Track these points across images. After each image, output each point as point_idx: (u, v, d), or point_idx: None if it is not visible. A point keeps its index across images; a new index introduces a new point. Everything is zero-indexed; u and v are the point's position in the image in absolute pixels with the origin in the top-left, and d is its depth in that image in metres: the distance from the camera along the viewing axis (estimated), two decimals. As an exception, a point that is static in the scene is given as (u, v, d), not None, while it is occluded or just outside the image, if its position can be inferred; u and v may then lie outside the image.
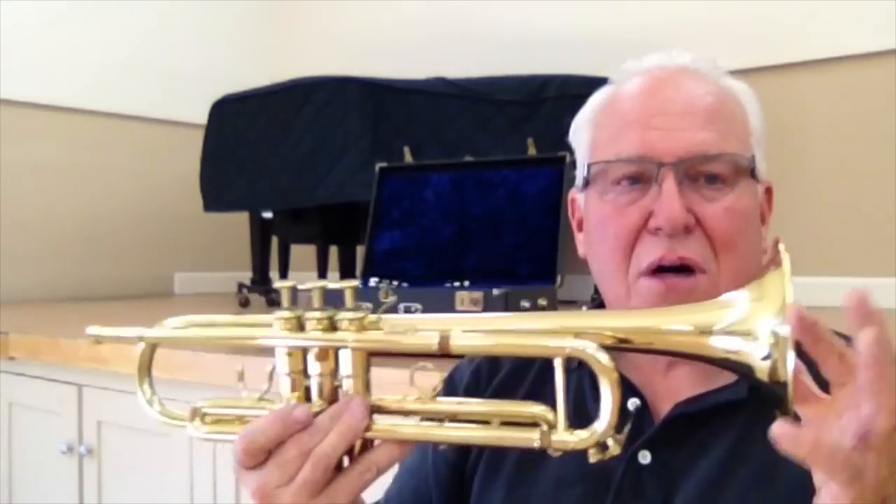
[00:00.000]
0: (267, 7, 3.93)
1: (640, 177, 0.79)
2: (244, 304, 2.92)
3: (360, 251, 2.53)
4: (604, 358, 0.60)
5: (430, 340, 0.64)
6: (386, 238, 2.15)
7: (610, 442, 0.61)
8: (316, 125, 2.59)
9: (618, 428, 0.61)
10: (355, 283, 0.68)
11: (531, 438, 0.63)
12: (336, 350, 0.67)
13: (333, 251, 3.17)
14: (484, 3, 3.22)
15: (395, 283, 1.80)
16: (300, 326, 0.68)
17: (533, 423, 0.63)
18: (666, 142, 0.77)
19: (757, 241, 0.82)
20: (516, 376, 0.88)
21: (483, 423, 0.65)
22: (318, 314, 0.67)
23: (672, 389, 0.81)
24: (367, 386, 0.68)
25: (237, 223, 3.15)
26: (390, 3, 3.50)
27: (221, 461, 1.74)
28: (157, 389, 0.80)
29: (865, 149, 2.45)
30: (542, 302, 1.67)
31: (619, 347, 0.62)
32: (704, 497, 0.75)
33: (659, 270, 0.77)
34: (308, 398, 0.68)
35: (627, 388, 0.80)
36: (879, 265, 2.36)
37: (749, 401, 0.77)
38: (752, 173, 0.80)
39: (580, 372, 0.85)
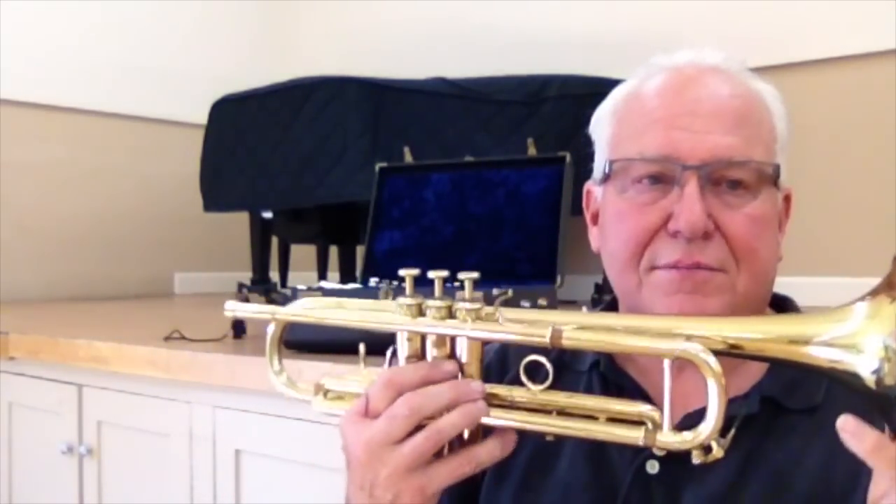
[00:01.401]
0: (267, 7, 3.93)
1: (662, 177, 0.77)
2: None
3: (360, 251, 2.53)
4: (712, 361, 0.61)
5: (543, 334, 0.65)
6: (386, 238, 2.15)
7: (714, 445, 0.62)
8: (316, 125, 2.59)
9: (722, 432, 0.62)
10: (475, 275, 0.71)
11: (637, 437, 0.64)
12: (453, 338, 0.70)
13: (333, 251, 3.17)
14: (484, 3, 3.22)
15: (395, 283, 1.80)
16: (421, 313, 0.71)
17: (639, 422, 0.65)
18: (691, 143, 0.76)
19: (775, 248, 0.80)
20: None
21: (590, 419, 0.67)
22: (438, 303, 0.70)
23: (682, 396, 0.80)
24: (480, 374, 0.70)
25: (237, 223, 3.15)
26: (390, 3, 3.50)
27: (221, 461, 1.74)
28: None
29: (865, 149, 2.44)
30: (542, 302, 1.67)
31: (729, 353, 0.63)
32: None
33: (674, 267, 0.77)
34: None
35: (639, 394, 0.80)
36: (879, 265, 2.35)
37: (761, 415, 0.76)
38: (775, 182, 0.79)
39: (590, 374, 0.85)
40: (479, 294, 0.71)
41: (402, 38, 3.43)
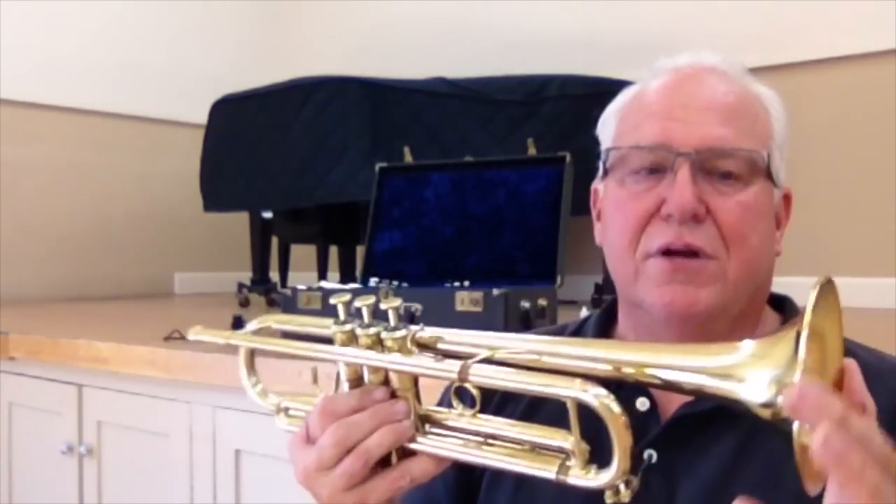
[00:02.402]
0: (267, 7, 3.93)
1: (657, 166, 0.80)
2: (244, 304, 2.92)
3: (360, 251, 2.53)
4: (614, 407, 0.61)
5: (452, 370, 0.66)
6: (386, 238, 2.15)
7: (622, 487, 0.61)
8: (316, 125, 2.59)
9: (633, 470, 0.62)
10: (397, 302, 0.72)
11: (551, 471, 0.64)
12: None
13: (333, 251, 3.17)
14: (484, 3, 3.23)
15: (395, 283, 1.80)
16: (354, 339, 0.72)
17: (560, 451, 0.65)
18: (683, 132, 0.79)
19: (769, 240, 0.82)
20: None
21: (515, 446, 0.67)
22: (368, 331, 0.71)
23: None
24: (416, 397, 0.71)
25: (237, 223, 3.15)
26: (391, 3, 3.50)
27: (221, 461, 1.74)
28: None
29: (865, 149, 2.45)
30: (542, 302, 1.67)
31: (616, 378, 0.63)
32: (708, 496, 0.76)
33: (666, 254, 0.79)
34: None
35: (637, 388, 0.81)
36: (879, 265, 2.36)
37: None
38: (768, 174, 0.81)
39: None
40: (407, 326, 0.71)
41: (402, 38, 3.43)
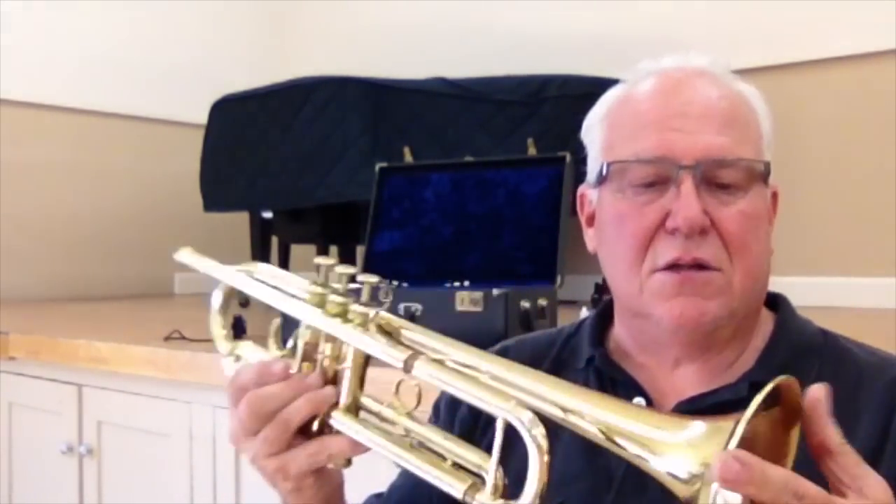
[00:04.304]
0: (267, 7, 3.93)
1: (658, 178, 0.80)
2: (244, 304, 2.92)
3: (360, 251, 2.53)
4: (539, 434, 0.59)
5: (400, 358, 0.67)
6: (386, 238, 2.15)
7: None
8: (316, 125, 2.59)
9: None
10: (374, 279, 0.73)
11: (459, 490, 0.63)
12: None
13: (333, 251, 3.17)
14: (484, 3, 3.23)
15: (395, 283, 1.80)
16: (322, 304, 0.72)
17: (477, 472, 0.63)
18: (684, 144, 0.79)
19: (767, 244, 0.83)
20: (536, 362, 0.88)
21: (437, 456, 0.66)
22: (338, 298, 0.72)
23: (677, 388, 0.82)
24: (361, 379, 0.71)
25: (237, 223, 3.15)
26: (390, 3, 3.50)
27: (221, 461, 1.74)
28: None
29: (865, 149, 2.45)
30: (542, 302, 1.67)
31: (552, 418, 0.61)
32: None
33: (673, 268, 0.79)
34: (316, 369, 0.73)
35: (633, 387, 0.82)
36: (879, 265, 2.36)
37: (749, 399, 0.77)
38: (764, 179, 0.82)
39: (587, 371, 0.86)
40: (384, 301, 0.73)
41: (402, 38, 3.43)
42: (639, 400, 0.80)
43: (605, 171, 0.83)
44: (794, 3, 2.52)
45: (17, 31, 3.18)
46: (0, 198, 3.15)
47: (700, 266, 0.78)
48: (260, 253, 3.04)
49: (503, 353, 0.92)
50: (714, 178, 0.79)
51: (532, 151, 2.21)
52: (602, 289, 2.54)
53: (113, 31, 3.46)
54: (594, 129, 0.87)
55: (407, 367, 0.66)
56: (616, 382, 0.84)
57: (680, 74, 0.84)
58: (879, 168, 2.39)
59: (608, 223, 0.84)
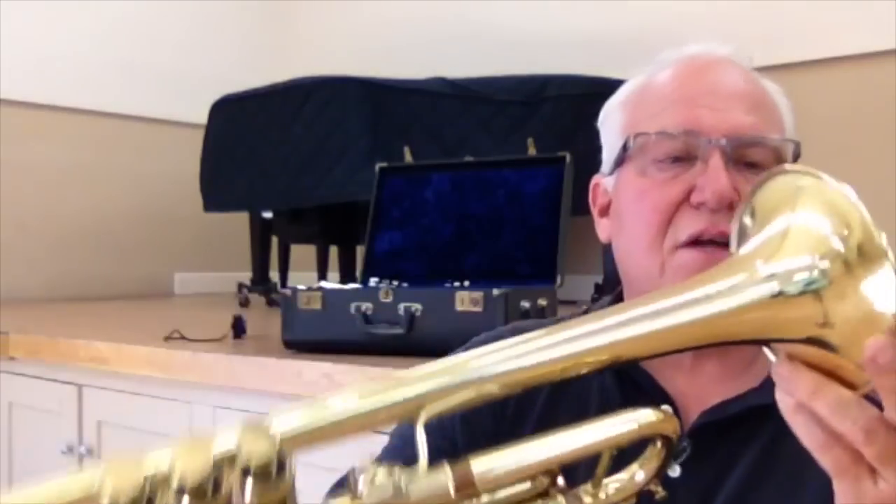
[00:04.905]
0: (267, 7, 3.93)
1: (685, 155, 0.77)
2: (244, 304, 2.92)
3: (360, 251, 2.53)
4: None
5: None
6: (386, 238, 2.15)
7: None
8: (316, 125, 2.59)
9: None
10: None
11: None
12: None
13: (333, 251, 3.17)
14: (484, 3, 3.22)
15: (395, 283, 1.80)
16: None
17: None
18: (713, 119, 0.77)
19: None
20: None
21: None
22: None
23: (700, 392, 0.79)
24: None
25: (237, 223, 3.15)
26: (390, 3, 3.50)
27: (221, 461, 1.74)
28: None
29: (865, 149, 2.44)
30: (542, 302, 1.67)
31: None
32: None
33: (696, 244, 0.76)
34: None
35: (658, 392, 0.79)
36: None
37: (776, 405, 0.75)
38: None
39: (602, 373, 0.84)
40: None
41: (402, 38, 3.43)
42: (665, 409, 0.77)
43: (629, 145, 0.80)
44: (794, 3, 2.52)
45: (17, 31, 3.18)
46: (0, 198, 3.15)
47: (726, 244, 0.75)
48: (260, 253, 3.04)
49: (501, 337, 0.86)
50: (742, 156, 0.76)
51: (532, 151, 2.21)
52: (602, 289, 2.53)
53: (113, 30, 3.46)
54: (612, 114, 0.85)
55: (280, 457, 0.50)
56: (639, 387, 0.79)
57: (706, 59, 0.82)
58: (880, 168, 2.39)
59: (627, 202, 0.81)
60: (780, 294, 0.48)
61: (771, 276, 0.49)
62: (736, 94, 0.78)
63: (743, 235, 0.54)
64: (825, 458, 0.50)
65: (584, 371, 0.53)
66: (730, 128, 0.76)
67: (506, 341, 0.54)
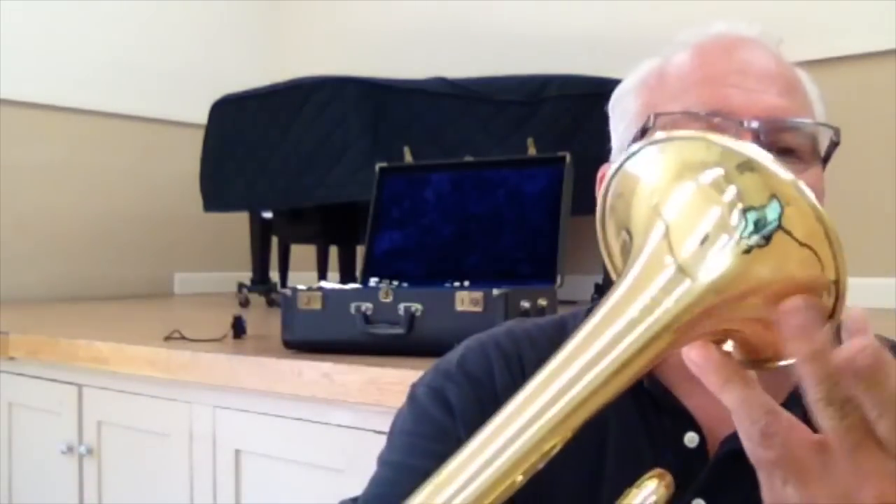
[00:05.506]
0: (267, 7, 3.93)
1: None
2: (244, 304, 2.92)
3: (360, 251, 2.53)
4: None
5: None
6: (386, 238, 2.15)
7: None
8: (316, 125, 2.59)
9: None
10: None
11: None
12: None
13: (333, 251, 3.17)
14: (484, 3, 3.22)
15: (395, 283, 1.80)
16: None
17: None
18: (744, 100, 0.69)
19: None
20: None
21: None
22: None
23: (722, 409, 0.75)
24: None
25: (237, 223, 3.15)
26: (390, 3, 3.50)
27: (221, 461, 1.74)
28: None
29: (865, 149, 2.44)
30: (542, 302, 1.67)
31: None
32: None
33: None
34: None
35: (679, 412, 0.72)
36: (879, 265, 2.35)
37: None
38: (824, 158, 0.73)
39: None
40: None
41: (402, 38, 3.43)
42: (691, 437, 0.70)
43: (649, 125, 0.71)
44: (794, 3, 2.52)
45: (17, 31, 3.18)
46: (0, 198, 3.15)
47: None
48: (260, 253, 3.04)
49: (498, 346, 0.80)
50: (776, 141, 0.69)
51: (532, 151, 2.21)
52: (602, 289, 2.54)
53: (113, 31, 3.46)
54: (625, 98, 0.79)
55: None
56: (658, 406, 0.72)
57: (733, 38, 0.76)
58: (879, 168, 2.39)
59: None
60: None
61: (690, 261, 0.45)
62: (769, 75, 0.71)
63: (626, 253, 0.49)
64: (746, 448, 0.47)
65: (555, 451, 0.46)
66: (762, 110, 0.69)
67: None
